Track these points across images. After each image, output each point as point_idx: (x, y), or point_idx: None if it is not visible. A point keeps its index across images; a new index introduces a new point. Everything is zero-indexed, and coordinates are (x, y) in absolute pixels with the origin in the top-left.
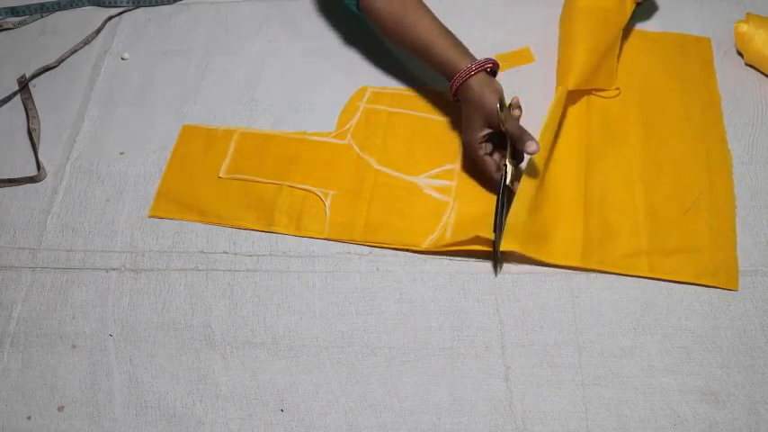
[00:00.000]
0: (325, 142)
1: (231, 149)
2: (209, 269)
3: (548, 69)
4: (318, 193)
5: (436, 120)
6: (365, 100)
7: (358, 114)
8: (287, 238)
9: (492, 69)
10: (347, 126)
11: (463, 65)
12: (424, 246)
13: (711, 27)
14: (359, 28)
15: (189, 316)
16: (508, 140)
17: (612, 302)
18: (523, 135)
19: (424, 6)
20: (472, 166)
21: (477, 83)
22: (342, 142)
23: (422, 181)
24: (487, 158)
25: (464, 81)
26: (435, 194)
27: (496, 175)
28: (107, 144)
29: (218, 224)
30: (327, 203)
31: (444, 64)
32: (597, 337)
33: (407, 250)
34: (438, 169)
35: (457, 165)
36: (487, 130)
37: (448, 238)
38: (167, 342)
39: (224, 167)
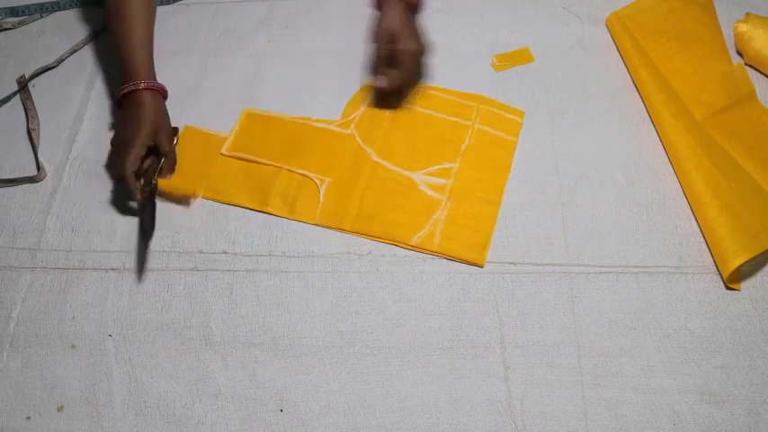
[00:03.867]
0: (328, 130)
1: (236, 128)
2: (209, 269)
3: (547, 69)
4: (315, 179)
5: (442, 118)
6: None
7: (364, 106)
8: (286, 238)
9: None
10: (352, 116)
11: (144, 75)
12: (413, 242)
13: None
14: (359, 28)
15: (188, 316)
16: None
17: (612, 302)
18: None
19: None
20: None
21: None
22: (345, 131)
23: (418, 177)
24: (132, 176)
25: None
26: (429, 191)
27: (136, 192)
28: (107, 144)
29: (214, 199)
30: (322, 190)
31: (131, 63)
32: (596, 337)
33: (395, 245)
34: (436, 167)
35: (455, 164)
36: (145, 149)
37: (437, 237)
38: (167, 342)
39: (227, 144)
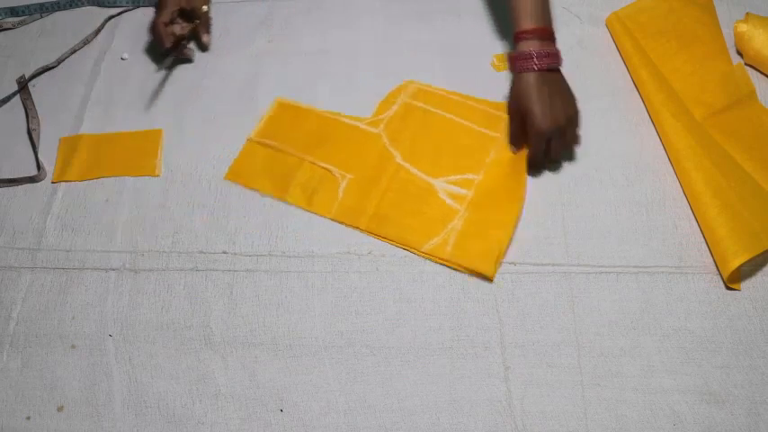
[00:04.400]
0: (356, 127)
1: (267, 115)
2: (209, 269)
3: None
4: (336, 174)
5: (472, 128)
6: (407, 94)
7: (395, 107)
8: (286, 238)
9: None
10: (383, 116)
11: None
12: (424, 249)
13: None
14: (359, 28)
15: (188, 316)
16: None
17: (612, 302)
18: None
19: None
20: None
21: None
22: (373, 130)
23: (439, 184)
24: (161, 24)
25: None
26: (448, 200)
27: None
28: None
29: (235, 181)
30: (342, 185)
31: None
32: (596, 337)
33: (407, 250)
34: (459, 176)
35: (479, 176)
36: None
37: (449, 245)
38: (167, 342)
39: (255, 130)
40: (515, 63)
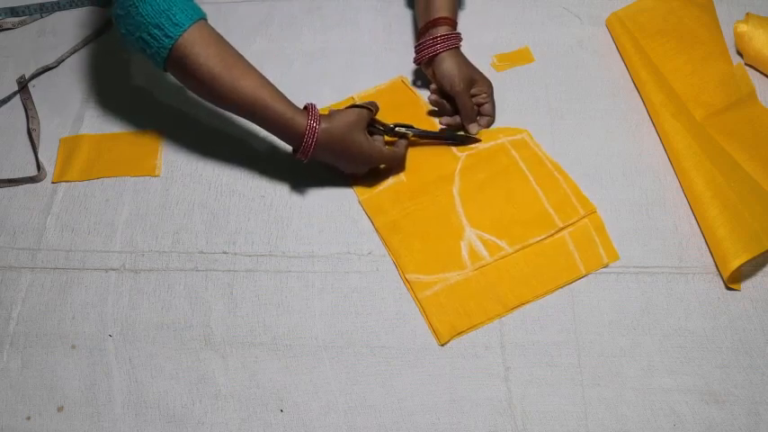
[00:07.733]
0: (447, 146)
1: (380, 85)
2: (209, 269)
3: (547, 69)
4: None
5: (542, 203)
6: (510, 139)
7: (492, 143)
8: (286, 238)
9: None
10: (476, 144)
11: (302, 122)
12: (409, 277)
13: None
14: (359, 28)
15: (188, 316)
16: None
17: (612, 302)
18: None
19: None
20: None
21: (333, 132)
22: (457, 152)
23: (470, 233)
24: (384, 149)
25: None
26: (464, 252)
27: (395, 149)
28: None
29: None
30: (390, 181)
31: (283, 125)
32: (597, 337)
33: (395, 265)
34: (492, 237)
35: (509, 250)
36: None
37: (431, 291)
38: (167, 342)
39: (362, 94)
40: (448, 41)
